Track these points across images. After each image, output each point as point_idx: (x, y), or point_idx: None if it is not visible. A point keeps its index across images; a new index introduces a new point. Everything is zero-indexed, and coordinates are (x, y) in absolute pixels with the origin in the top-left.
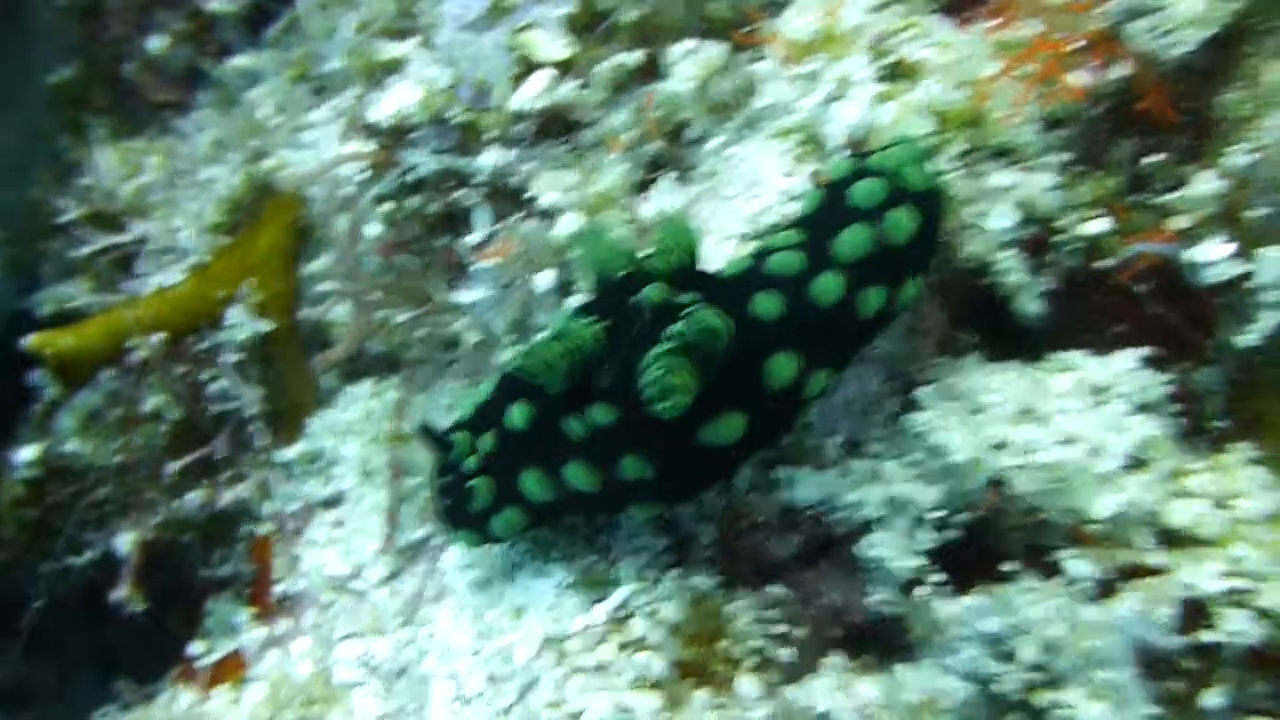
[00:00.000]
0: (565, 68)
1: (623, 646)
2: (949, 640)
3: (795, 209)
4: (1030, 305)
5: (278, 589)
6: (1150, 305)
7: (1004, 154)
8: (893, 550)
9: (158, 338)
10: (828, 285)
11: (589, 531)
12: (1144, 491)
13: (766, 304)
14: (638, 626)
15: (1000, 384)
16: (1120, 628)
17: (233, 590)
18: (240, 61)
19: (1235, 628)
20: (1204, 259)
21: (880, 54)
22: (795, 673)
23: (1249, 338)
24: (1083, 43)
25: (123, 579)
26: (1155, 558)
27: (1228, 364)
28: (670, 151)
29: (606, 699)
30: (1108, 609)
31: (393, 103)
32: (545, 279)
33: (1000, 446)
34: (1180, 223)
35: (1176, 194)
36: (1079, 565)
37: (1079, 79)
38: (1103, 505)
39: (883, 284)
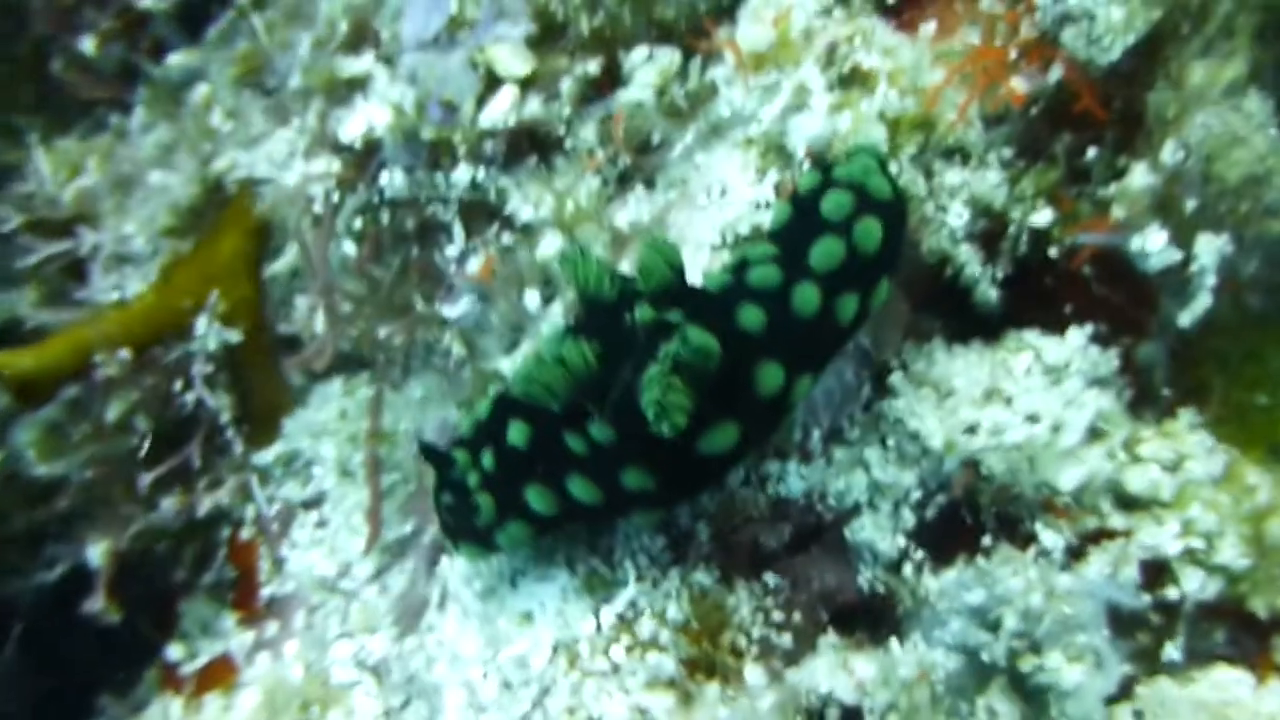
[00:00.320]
0: (529, 83)
1: (632, 648)
2: (937, 614)
3: (765, 220)
4: (988, 293)
5: (264, 592)
6: (1096, 286)
7: (953, 153)
8: (878, 533)
9: (125, 353)
10: (807, 296)
11: (589, 535)
12: (1104, 461)
13: (751, 317)
14: (645, 627)
15: (964, 367)
16: (1091, 592)
17: (212, 595)
18: (179, 59)
19: (1193, 584)
20: (1144, 247)
21: (832, 63)
22: (795, 656)
23: (1188, 317)
24: (1018, 51)
25: (96, 590)
26: (1117, 522)
27: (1169, 338)
28: (638, 161)
29: (622, 701)
30: (1079, 575)
31: (360, 122)
32: (533, 299)
33: (972, 429)
34: (1118, 213)
35: (1113, 187)
36: (1051, 536)
37: (1020, 84)
38: (1068, 478)
39: (857, 290)
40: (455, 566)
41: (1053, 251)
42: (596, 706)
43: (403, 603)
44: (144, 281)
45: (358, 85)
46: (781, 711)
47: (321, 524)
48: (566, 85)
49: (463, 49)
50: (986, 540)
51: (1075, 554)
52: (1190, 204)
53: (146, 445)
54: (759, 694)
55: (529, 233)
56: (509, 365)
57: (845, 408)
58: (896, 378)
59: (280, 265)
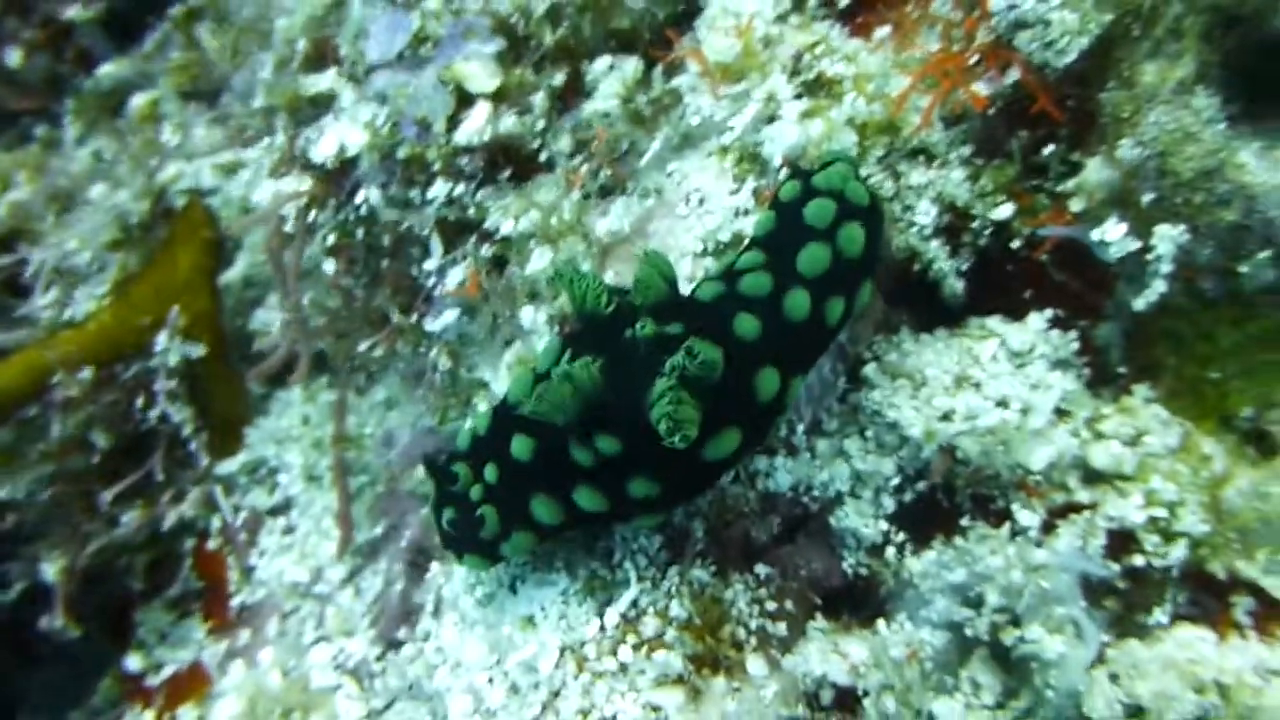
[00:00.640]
0: (500, 97)
1: (638, 646)
2: (921, 593)
3: (747, 227)
4: (955, 285)
5: (235, 601)
6: (1054, 273)
7: (917, 154)
8: (860, 519)
9: (86, 373)
10: (798, 302)
11: (587, 539)
12: (1070, 440)
13: (747, 325)
14: (650, 626)
15: (934, 356)
16: (1065, 565)
17: (171, 604)
18: (110, 70)
19: (1158, 551)
20: (1104, 238)
21: (798, 71)
22: (789, 643)
23: (1144, 301)
24: (978, 56)
25: (54, 607)
26: (1083, 496)
27: (1124, 320)
28: (616, 171)
29: (634, 700)
30: (1053, 549)
31: (332, 141)
32: (528, 314)
33: (947, 417)
34: (1077, 206)
35: (1070, 182)
36: (1026, 514)
37: (980, 88)
38: (1038, 457)
39: (843, 293)
40: (451, 574)
41: (1015, 243)
42: (609, 707)
43: (379, 604)
44: (92, 298)
45: (323, 103)
46: (784, 700)
47: (290, 530)
48: (538, 99)
49: (433, 67)
50: (964, 521)
51: (1047, 529)
52: (1148, 197)
53: (104, 461)
54: (762, 684)
55: (510, 246)
56: (493, 376)
57: (824, 401)
58: (870, 370)
59: (232, 274)
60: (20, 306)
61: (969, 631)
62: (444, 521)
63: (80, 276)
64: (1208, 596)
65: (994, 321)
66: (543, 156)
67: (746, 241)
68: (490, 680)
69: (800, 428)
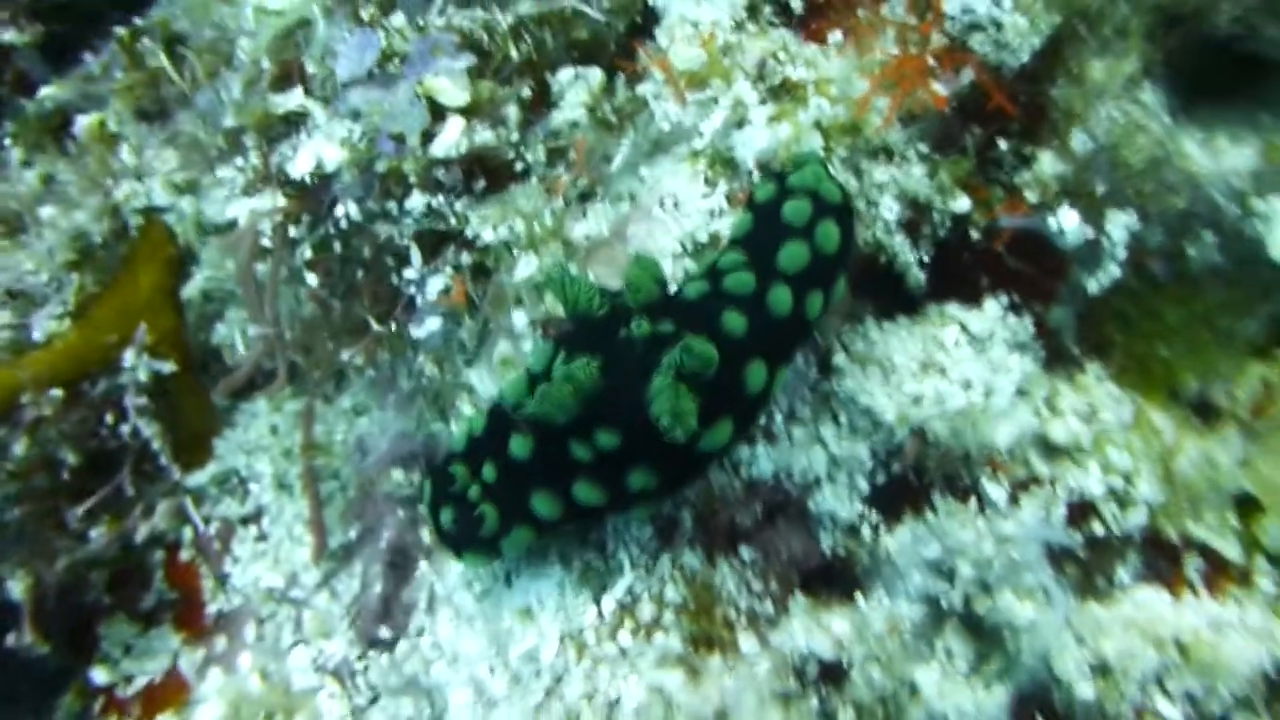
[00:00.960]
0: (473, 111)
1: (636, 631)
2: (898, 569)
3: (722, 228)
4: (918, 276)
5: (210, 609)
6: (1010, 260)
7: (878, 153)
8: (837, 502)
9: (55, 393)
10: (780, 297)
11: (581, 532)
12: (1031, 418)
13: (734, 321)
14: (646, 611)
15: (899, 344)
16: (1030, 535)
17: (141, 618)
18: (51, 92)
19: (1116, 518)
20: (1059, 226)
21: (763, 77)
22: (775, 621)
23: (1098, 284)
24: (935, 58)
25: (21, 624)
26: (1045, 470)
27: (1077, 303)
28: (593, 178)
29: (637, 682)
30: (1019, 521)
31: (308, 158)
32: (520, 319)
33: (917, 401)
34: (1032, 197)
35: (1025, 174)
36: (994, 489)
37: (939, 88)
38: (1002, 435)
39: (821, 287)
40: (443, 571)
41: (973, 234)
42: (613, 689)
43: (357, 606)
44: (52, 319)
45: (293, 122)
46: (777, 675)
47: (263, 538)
48: (511, 111)
49: (405, 83)
50: (935, 499)
51: (1012, 502)
52: (1100, 186)
53: (72, 478)
54: (755, 661)
55: (493, 254)
56: (479, 380)
57: (798, 392)
58: (841, 359)
59: (191, 290)
60: None
61: (944, 603)
62: (443, 521)
63: (36, 298)
64: (1161, 559)
65: (954, 309)
66: (518, 166)
67: (726, 242)
68: (491, 670)
69: (779, 417)
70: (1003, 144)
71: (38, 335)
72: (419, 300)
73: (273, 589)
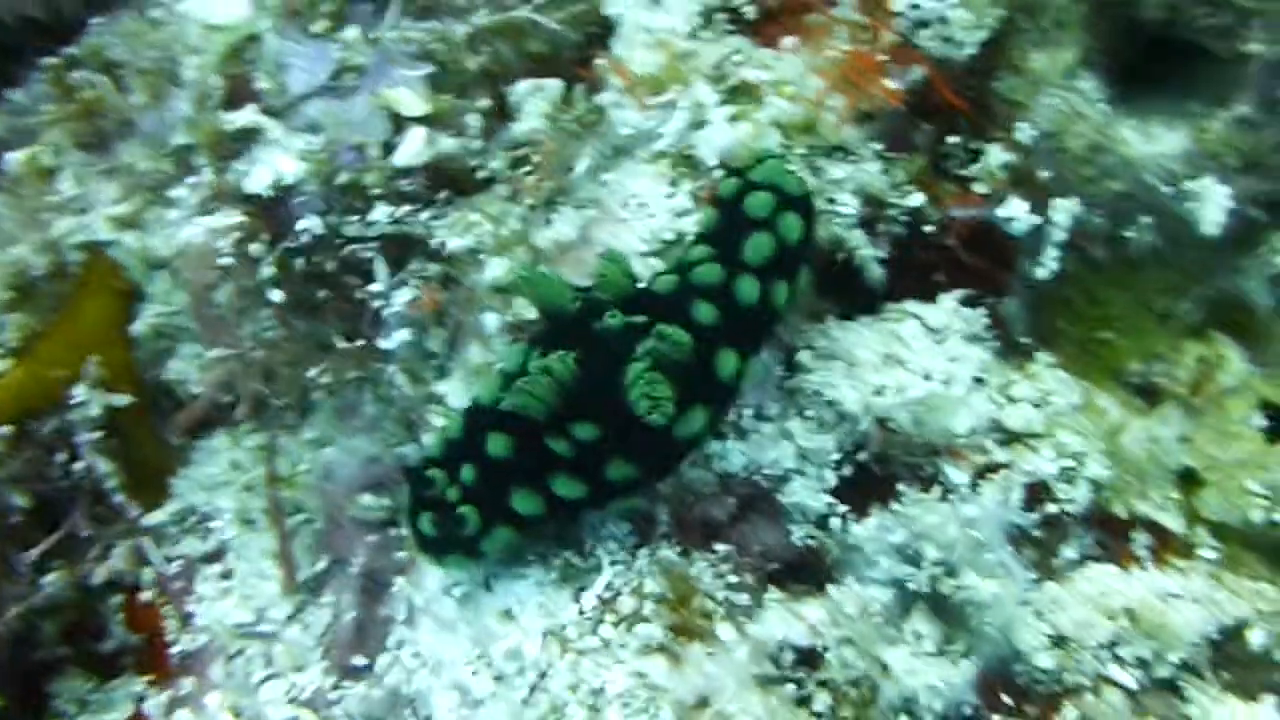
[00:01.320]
0: (434, 120)
1: (618, 623)
2: (866, 556)
3: (687, 225)
4: (876, 272)
5: (174, 650)
6: (963, 255)
7: (834, 151)
8: (807, 494)
9: (2, 431)
10: (747, 287)
11: (556, 530)
12: (987, 405)
13: (704, 312)
14: (626, 604)
15: (861, 339)
16: (990, 517)
17: (96, 669)
18: None
19: (1068, 498)
20: (1009, 215)
21: (720, 79)
22: (751, 612)
23: (1043, 270)
24: (887, 56)
25: None
26: (1001, 455)
27: (1025, 293)
28: (559, 182)
29: (620, 670)
30: (980, 504)
31: (266, 173)
32: (491, 320)
33: (879, 392)
34: (981, 189)
35: (974, 166)
36: (956, 475)
37: (892, 84)
38: (961, 423)
39: (786, 278)
40: (425, 581)
41: (927, 229)
42: (597, 680)
43: (330, 635)
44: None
45: (246, 137)
46: (755, 659)
47: (227, 575)
48: (473, 119)
49: (363, 94)
50: (900, 487)
51: (972, 487)
52: (1044, 174)
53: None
54: (734, 648)
55: (458, 262)
56: (449, 388)
57: (765, 388)
58: (805, 355)
59: (140, 326)
60: None
61: (911, 586)
62: (423, 526)
63: None
64: (1111, 534)
65: (911, 303)
66: (480, 175)
67: (692, 237)
68: (474, 672)
69: (748, 412)
70: (953, 139)
71: None
72: (386, 312)
73: (240, 625)
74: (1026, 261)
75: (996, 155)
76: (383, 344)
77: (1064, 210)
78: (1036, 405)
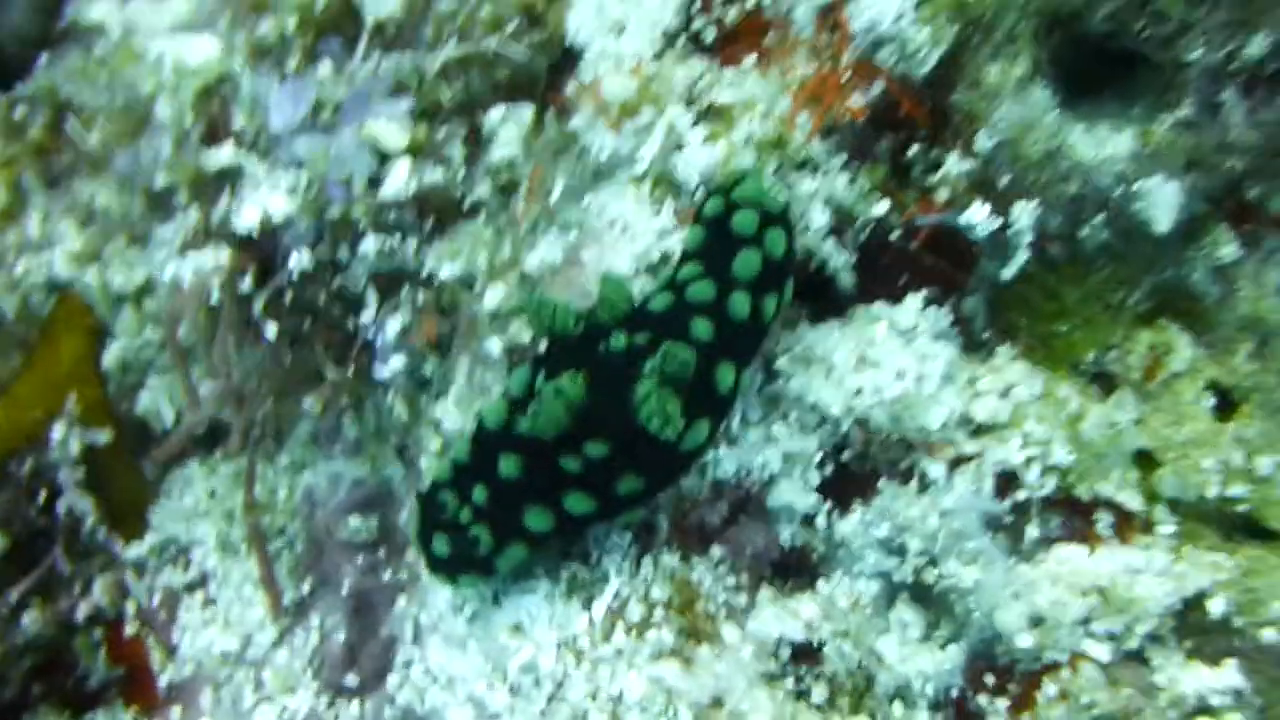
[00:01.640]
0: (417, 151)
1: (629, 630)
2: (852, 551)
3: (673, 245)
4: (847, 279)
5: (161, 681)
6: (926, 258)
7: (803, 165)
8: (793, 494)
9: None
10: (739, 302)
11: (563, 545)
12: (956, 400)
13: (702, 328)
14: (635, 611)
15: (835, 344)
16: (967, 507)
17: (80, 705)
18: None
19: (1036, 483)
20: (971, 220)
21: (692, 101)
22: (748, 611)
23: (1009, 270)
24: (849, 73)
25: None
26: (971, 447)
27: (985, 291)
28: (545, 208)
29: (636, 676)
30: (957, 495)
31: (254, 211)
32: (494, 346)
33: (858, 393)
34: (943, 196)
35: (936, 175)
36: (933, 468)
37: (856, 101)
38: (935, 418)
39: (774, 291)
40: (430, 601)
41: (892, 235)
42: (614, 686)
43: (320, 655)
44: None
45: (227, 177)
46: (759, 657)
47: (211, 602)
48: (455, 150)
49: (347, 129)
50: (880, 483)
51: (949, 479)
52: (1004, 180)
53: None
54: (739, 648)
55: (449, 290)
56: (445, 414)
57: (747, 395)
58: (783, 362)
59: (108, 361)
60: None
61: (896, 577)
62: (437, 549)
63: None
64: (1076, 516)
65: (879, 306)
66: (466, 204)
67: (680, 256)
68: (490, 686)
69: (736, 419)
70: (913, 149)
71: None
72: (379, 341)
73: (227, 652)
74: (986, 261)
75: (956, 164)
76: (378, 372)
77: (1025, 213)
78: (1001, 397)
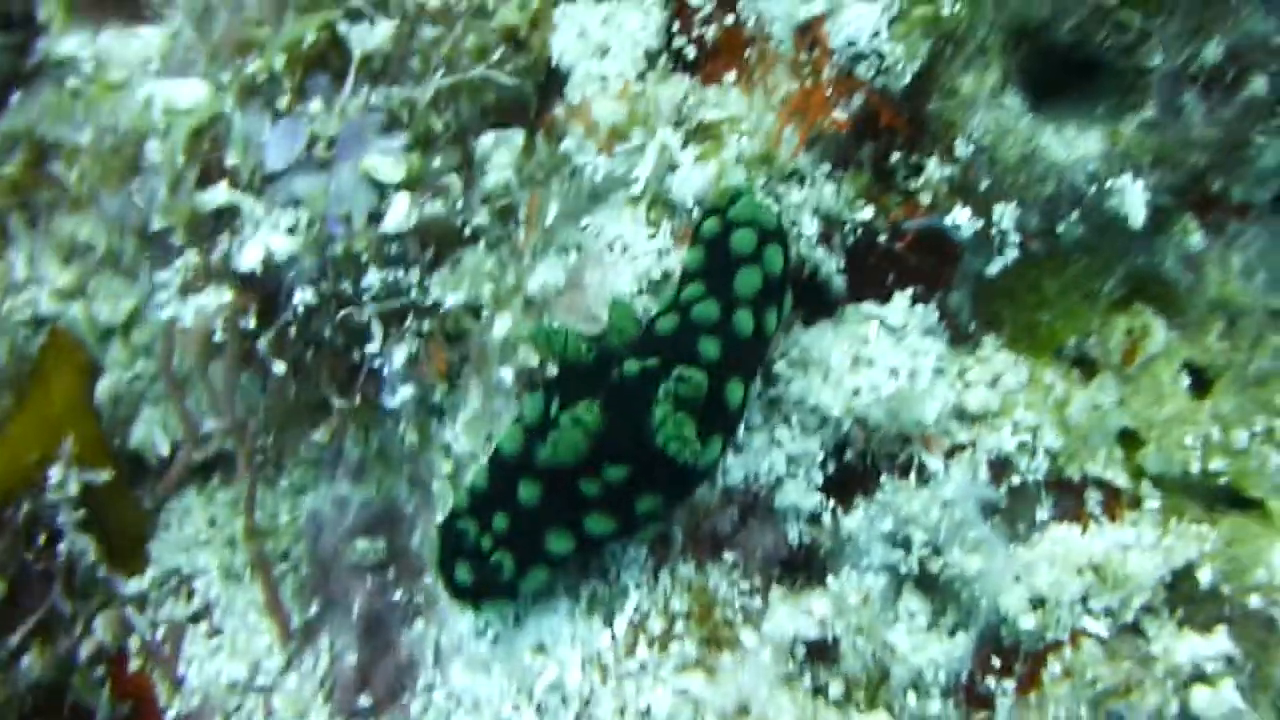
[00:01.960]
0: (414, 184)
1: (652, 644)
2: (859, 546)
3: (673, 264)
4: (838, 284)
5: (169, 714)
6: (910, 258)
7: (790, 176)
8: (798, 495)
9: None
10: (743, 319)
11: (581, 563)
12: (949, 392)
13: (709, 347)
14: (657, 625)
15: (829, 344)
16: (965, 495)
17: None
18: None
19: (1028, 467)
20: (955, 222)
21: (681, 122)
22: (763, 613)
23: (995, 267)
24: (831, 88)
25: None
26: (965, 436)
27: (969, 285)
28: (544, 233)
29: (664, 690)
30: (955, 485)
31: (256, 250)
32: (507, 374)
33: (856, 393)
34: (926, 200)
35: (918, 179)
36: (932, 461)
37: (840, 114)
38: (930, 412)
39: (774, 306)
40: (450, 624)
41: (879, 238)
42: (641, 701)
43: (331, 678)
44: None
45: (224, 217)
46: (777, 659)
47: (216, 632)
48: (453, 180)
49: (345, 165)
50: (882, 478)
51: (946, 469)
52: (984, 183)
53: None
54: (758, 651)
55: (455, 318)
56: (454, 437)
57: (752, 403)
58: (781, 366)
59: (99, 395)
60: None
61: (902, 569)
62: (460, 577)
63: None
64: (1067, 497)
65: (869, 306)
66: (466, 232)
67: (680, 276)
68: (516, 708)
69: (740, 427)
70: (895, 156)
71: None
72: (386, 371)
73: (235, 681)
74: (970, 258)
75: (937, 169)
76: (387, 401)
77: (1006, 214)
78: (990, 386)
